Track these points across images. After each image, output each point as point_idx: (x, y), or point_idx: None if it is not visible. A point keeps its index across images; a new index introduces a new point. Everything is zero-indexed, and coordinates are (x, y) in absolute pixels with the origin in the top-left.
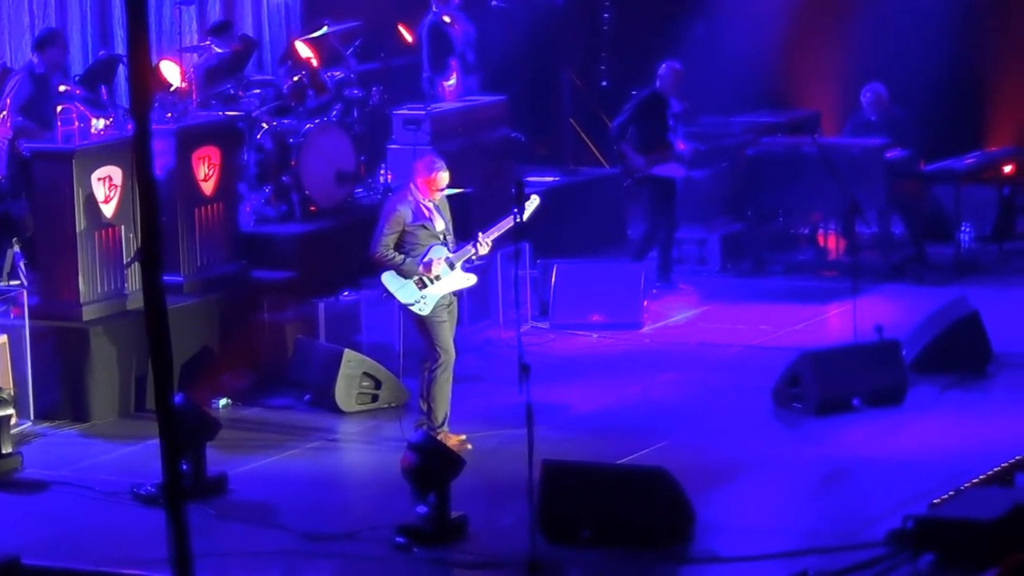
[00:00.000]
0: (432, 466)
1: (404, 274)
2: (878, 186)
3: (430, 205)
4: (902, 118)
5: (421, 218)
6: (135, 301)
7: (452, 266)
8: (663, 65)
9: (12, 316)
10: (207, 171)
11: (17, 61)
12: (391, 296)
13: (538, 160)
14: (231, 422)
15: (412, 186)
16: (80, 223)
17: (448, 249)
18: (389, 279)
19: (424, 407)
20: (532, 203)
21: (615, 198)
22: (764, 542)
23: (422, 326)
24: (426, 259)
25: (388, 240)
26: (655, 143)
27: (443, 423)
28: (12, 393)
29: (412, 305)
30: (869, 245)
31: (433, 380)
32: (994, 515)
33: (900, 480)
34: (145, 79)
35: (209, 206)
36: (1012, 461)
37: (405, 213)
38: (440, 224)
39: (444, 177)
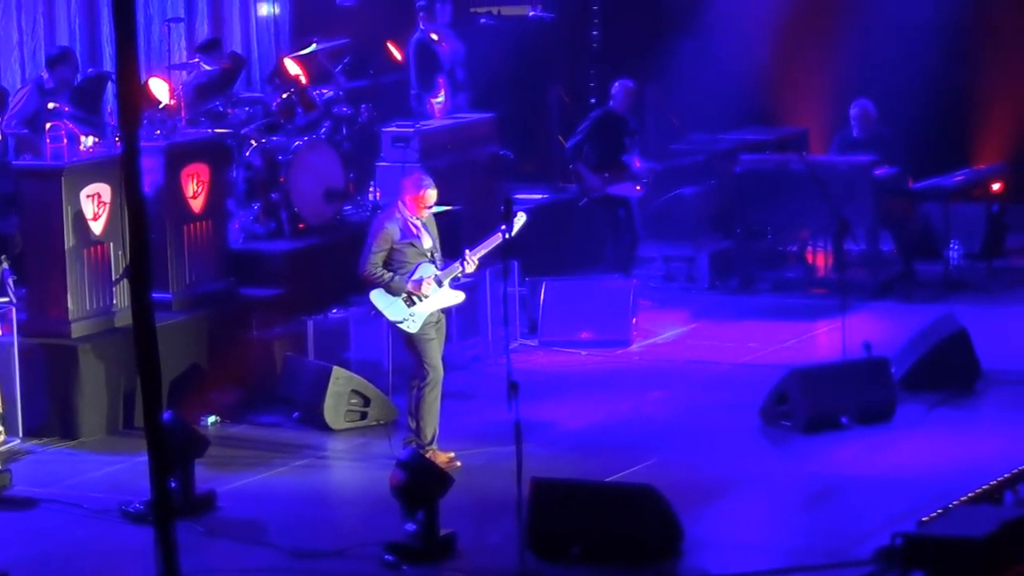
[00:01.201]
0: (421, 483)
1: (392, 292)
2: (866, 204)
3: (418, 223)
4: (887, 136)
5: (409, 236)
6: (124, 318)
7: (440, 283)
8: (616, 84)
9: (1, 333)
10: (196, 188)
11: (6, 78)
12: (379, 314)
13: (527, 177)
14: (220, 439)
15: (400, 204)
16: (69, 240)
17: (436, 267)
18: (378, 297)
19: (412, 424)
20: (519, 220)
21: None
22: (753, 559)
23: (410, 344)
24: (415, 277)
25: (376, 258)
26: (610, 162)
27: (432, 441)
28: (0, 410)
29: (400, 323)
30: (858, 262)
31: (421, 398)
32: (983, 533)
33: (889, 497)
34: (134, 96)
35: (198, 223)
36: (1001, 479)
37: (393, 231)
38: (428, 242)
39: (432, 194)
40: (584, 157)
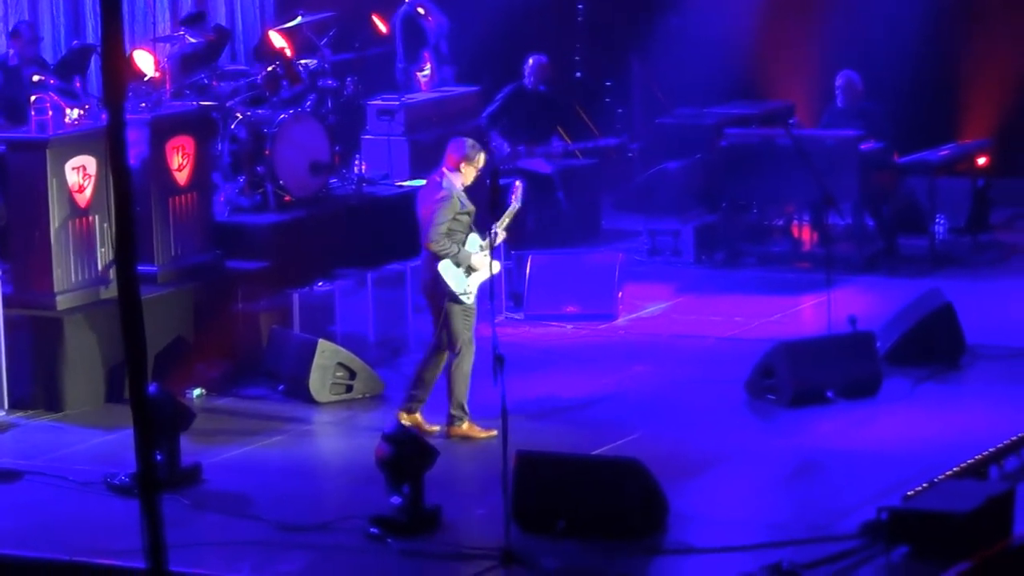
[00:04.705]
0: (406, 456)
1: (458, 263)
2: (852, 178)
3: (464, 192)
4: (873, 111)
5: (465, 205)
6: (109, 290)
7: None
8: (529, 59)
9: None
10: (181, 161)
11: None
12: (446, 285)
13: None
14: (205, 412)
15: (449, 172)
16: (54, 212)
17: (479, 237)
18: (446, 269)
19: (419, 395)
20: (517, 189)
21: (590, 189)
22: (738, 533)
23: (455, 318)
24: (465, 248)
25: (444, 228)
26: (522, 137)
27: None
28: None
29: (462, 295)
30: (843, 237)
31: (458, 368)
32: (968, 507)
33: (874, 472)
34: (119, 69)
35: (183, 196)
36: (986, 453)
37: (457, 200)
38: (472, 210)
39: (484, 157)
40: (501, 129)
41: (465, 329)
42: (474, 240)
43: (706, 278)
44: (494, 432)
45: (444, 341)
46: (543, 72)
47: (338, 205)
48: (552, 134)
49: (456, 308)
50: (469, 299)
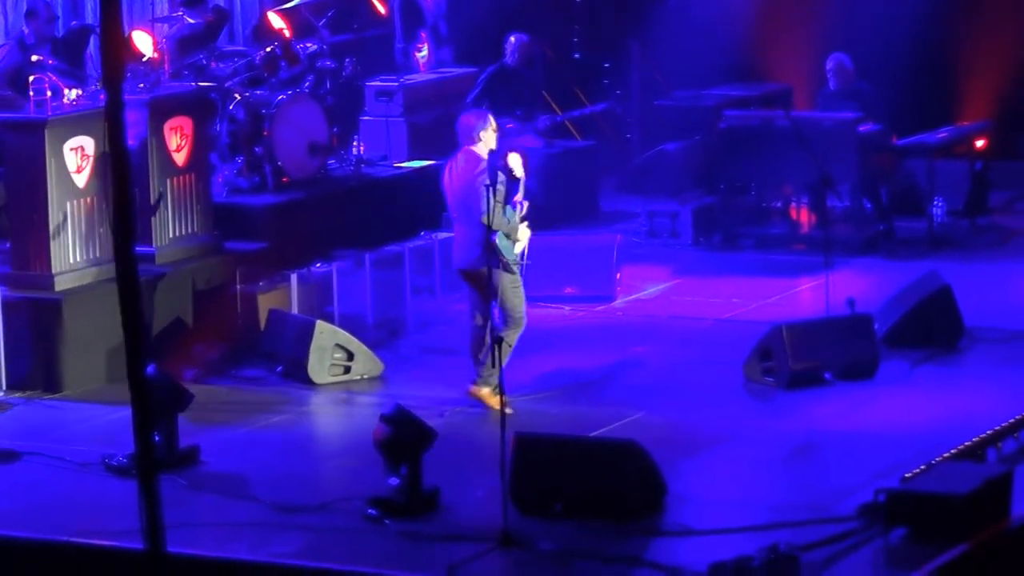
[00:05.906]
0: (404, 438)
1: (507, 234)
2: (851, 160)
3: None
4: (866, 91)
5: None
6: (108, 271)
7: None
8: (510, 38)
9: None
10: (179, 141)
11: None
12: (501, 256)
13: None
14: (203, 393)
15: (479, 146)
16: (52, 193)
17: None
18: (502, 239)
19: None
20: (514, 161)
21: (589, 170)
22: (736, 515)
23: (509, 289)
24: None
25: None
26: (508, 116)
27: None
28: None
29: (513, 264)
30: (841, 219)
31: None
32: (966, 489)
33: (872, 454)
34: (117, 49)
35: (181, 177)
36: (984, 435)
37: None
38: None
39: (493, 119)
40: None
41: (520, 301)
42: (510, 212)
43: (704, 260)
44: (509, 411)
45: (484, 313)
46: (525, 50)
47: (336, 186)
48: (537, 111)
49: (508, 280)
50: (517, 269)
